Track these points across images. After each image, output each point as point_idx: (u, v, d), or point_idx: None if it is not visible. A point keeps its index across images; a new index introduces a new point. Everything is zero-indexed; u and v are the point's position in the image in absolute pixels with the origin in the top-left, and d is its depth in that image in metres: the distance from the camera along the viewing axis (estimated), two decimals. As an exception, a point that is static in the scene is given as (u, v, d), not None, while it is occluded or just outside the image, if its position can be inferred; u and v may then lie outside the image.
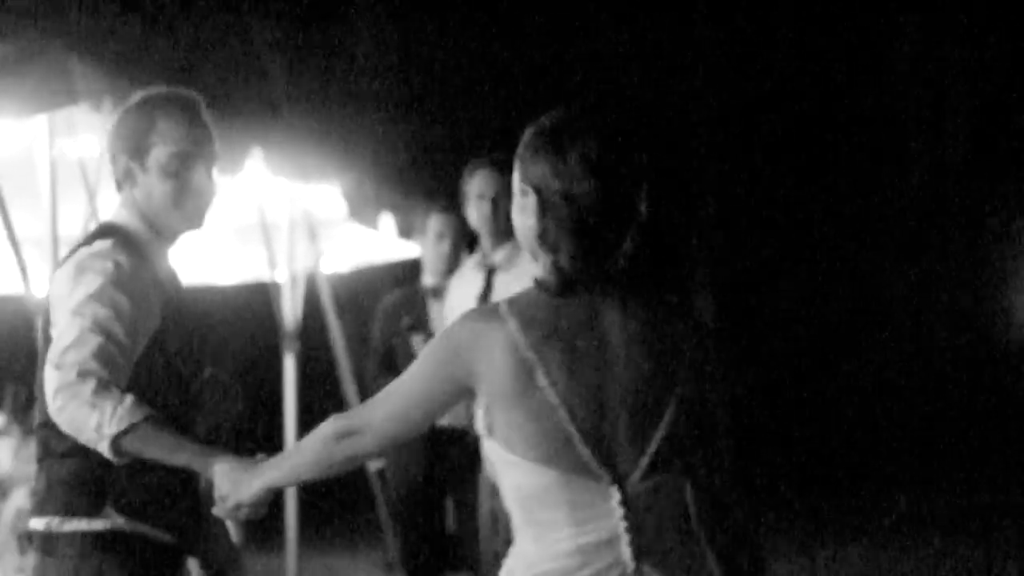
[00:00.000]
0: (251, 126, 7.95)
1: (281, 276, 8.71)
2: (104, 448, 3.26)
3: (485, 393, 2.84)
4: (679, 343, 2.89)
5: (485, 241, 6.22)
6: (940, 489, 14.87)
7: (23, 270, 5.49)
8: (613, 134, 2.86)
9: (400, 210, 9.17)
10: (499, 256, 6.13)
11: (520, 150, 2.91)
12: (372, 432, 2.96)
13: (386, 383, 7.06)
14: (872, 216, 19.56)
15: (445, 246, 7.07)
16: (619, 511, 2.82)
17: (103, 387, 3.26)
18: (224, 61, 14.83)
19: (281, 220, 8.67)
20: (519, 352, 2.79)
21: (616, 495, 2.82)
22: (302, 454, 3.07)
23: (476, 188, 6.27)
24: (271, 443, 8.64)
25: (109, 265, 3.41)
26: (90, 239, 3.54)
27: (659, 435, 2.83)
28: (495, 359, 2.80)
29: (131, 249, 3.49)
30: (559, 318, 2.82)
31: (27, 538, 7.84)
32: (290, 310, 8.77)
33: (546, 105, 3.07)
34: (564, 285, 2.84)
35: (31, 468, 8.02)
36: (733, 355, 19.20)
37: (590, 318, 2.84)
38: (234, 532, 3.35)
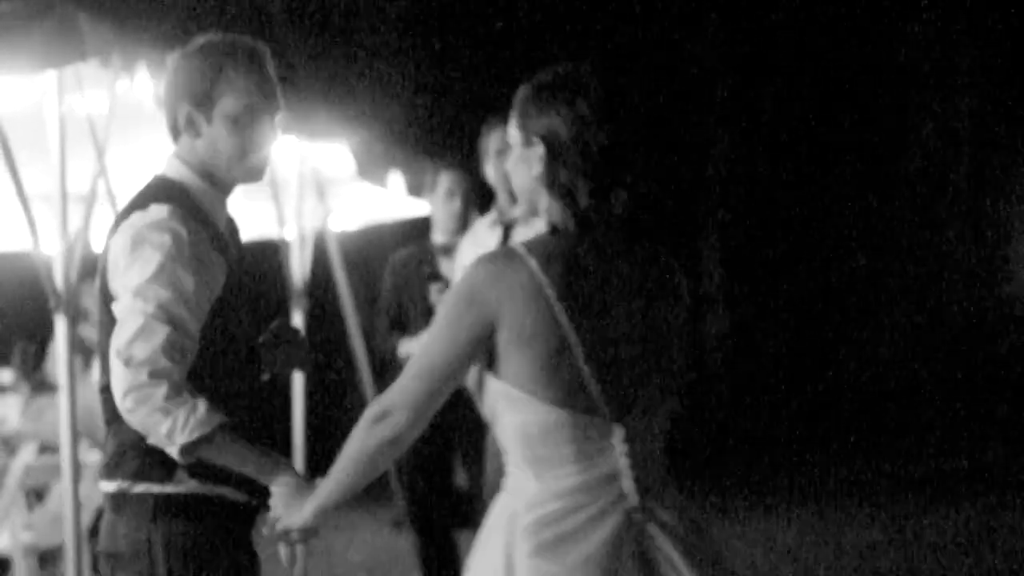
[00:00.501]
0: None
1: (290, 234, 8.70)
2: (173, 452, 3.20)
3: (506, 330, 2.90)
4: (668, 290, 3.04)
5: (504, 197, 6.20)
6: (926, 455, 14.94)
7: (32, 226, 5.48)
8: (615, 85, 3.00)
9: (409, 168, 9.14)
10: (518, 212, 6.10)
11: (520, 104, 3.04)
12: (406, 402, 2.97)
13: (396, 340, 7.01)
14: (874, 194, 19.57)
15: (456, 204, 7.06)
16: (622, 447, 2.93)
17: (175, 391, 3.16)
18: (234, 18, 14.77)
19: (290, 177, 8.65)
20: (542, 290, 2.89)
21: (619, 432, 2.94)
22: (345, 454, 3.06)
23: (496, 144, 6.26)
24: (278, 402, 8.65)
25: (167, 238, 3.25)
26: (144, 201, 3.36)
27: (655, 376, 2.98)
28: (518, 296, 2.89)
29: (189, 213, 3.34)
30: (575, 259, 2.93)
31: (35, 495, 7.86)
32: (299, 267, 8.76)
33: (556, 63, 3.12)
34: (582, 225, 2.95)
35: (38, 424, 8.06)
36: (741, 324, 19.29)
37: (600, 260, 2.96)
38: (283, 557, 3.31)
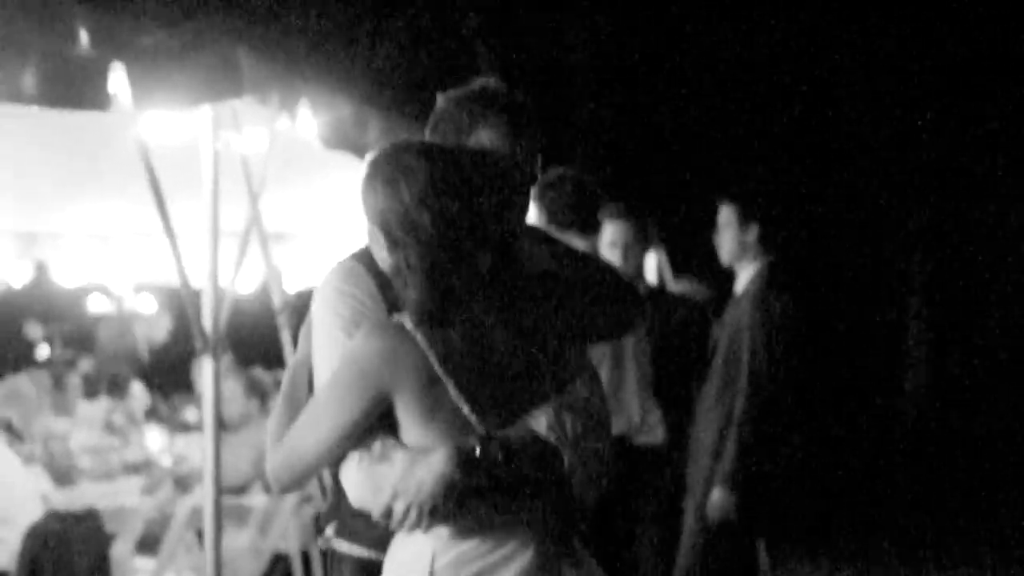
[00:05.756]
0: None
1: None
2: None
3: (403, 402, 2.92)
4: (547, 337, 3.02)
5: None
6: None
7: (179, 263, 5.36)
8: (445, 170, 2.92)
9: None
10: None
11: (363, 183, 2.98)
12: (295, 477, 3.05)
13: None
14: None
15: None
16: None
17: None
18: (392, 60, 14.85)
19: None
20: (430, 366, 2.90)
21: None
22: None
23: (608, 236, 6.32)
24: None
25: None
26: None
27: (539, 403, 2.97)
28: (411, 373, 2.89)
29: None
30: (452, 333, 2.93)
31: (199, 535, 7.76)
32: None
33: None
34: (424, 318, 2.92)
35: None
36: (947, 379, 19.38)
37: (473, 330, 2.94)
38: None
